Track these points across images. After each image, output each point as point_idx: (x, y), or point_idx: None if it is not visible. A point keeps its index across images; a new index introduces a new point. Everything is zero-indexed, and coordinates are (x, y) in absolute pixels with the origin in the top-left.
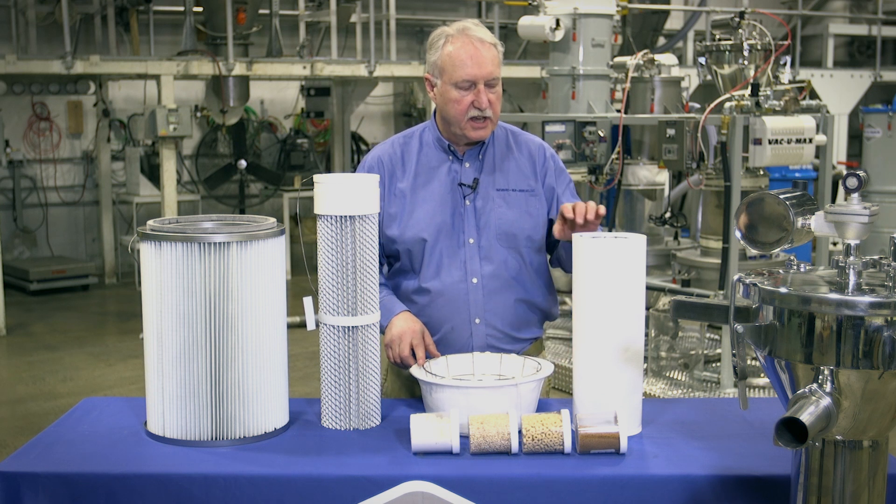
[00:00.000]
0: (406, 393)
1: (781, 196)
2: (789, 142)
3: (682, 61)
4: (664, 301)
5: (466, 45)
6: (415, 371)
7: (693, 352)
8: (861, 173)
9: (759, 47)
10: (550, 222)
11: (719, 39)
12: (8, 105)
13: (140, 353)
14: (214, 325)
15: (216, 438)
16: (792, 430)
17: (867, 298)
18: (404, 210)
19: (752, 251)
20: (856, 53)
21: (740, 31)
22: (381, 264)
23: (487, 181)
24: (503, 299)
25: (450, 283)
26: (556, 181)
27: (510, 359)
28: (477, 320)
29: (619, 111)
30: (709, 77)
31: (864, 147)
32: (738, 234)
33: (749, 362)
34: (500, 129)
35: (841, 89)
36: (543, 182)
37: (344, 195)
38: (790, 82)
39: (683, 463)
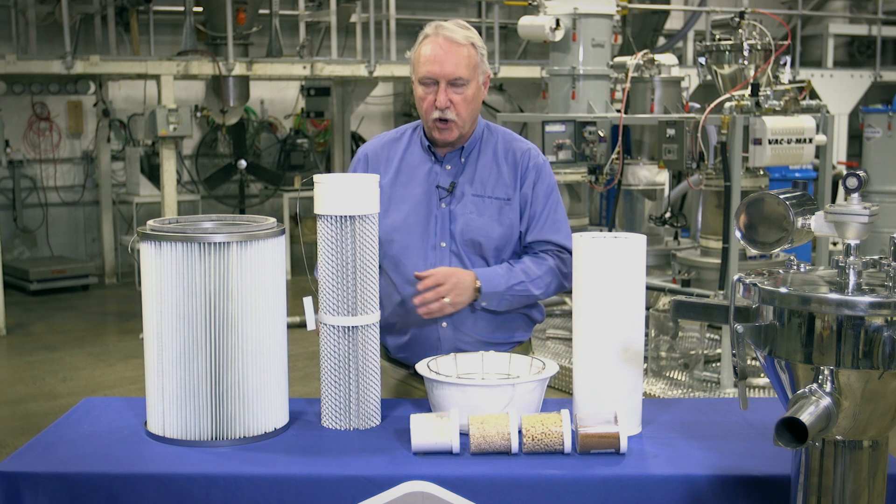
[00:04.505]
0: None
1: (781, 196)
2: (789, 142)
3: (682, 61)
4: (664, 301)
5: (435, 44)
6: (419, 368)
7: (693, 352)
8: (861, 173)
9: (759, 47)
10: (523, 233)
11: (719, 39)
12: (8, 105)
13: (140, 353)
14: (214, 325)
15: (216, 438)
16: (792, 430)
17: (867, 298)
18: (381, 208)
19: (752, 251)
20: (856, 53)
21: (740, 31)
22: None
23: (465, 186)
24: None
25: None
26: (532, 188)
27: (518, 359)
28: (444, 324)
29: (619, 111)
30: (709, 77)
31: (864, 147)
32: (738, 234)
33: (749, 362)
34: (490, 134)
35: (841, 89)
36: (521, 188)
37: (344, 195)
38: (790, 82)
39: (683, 463)
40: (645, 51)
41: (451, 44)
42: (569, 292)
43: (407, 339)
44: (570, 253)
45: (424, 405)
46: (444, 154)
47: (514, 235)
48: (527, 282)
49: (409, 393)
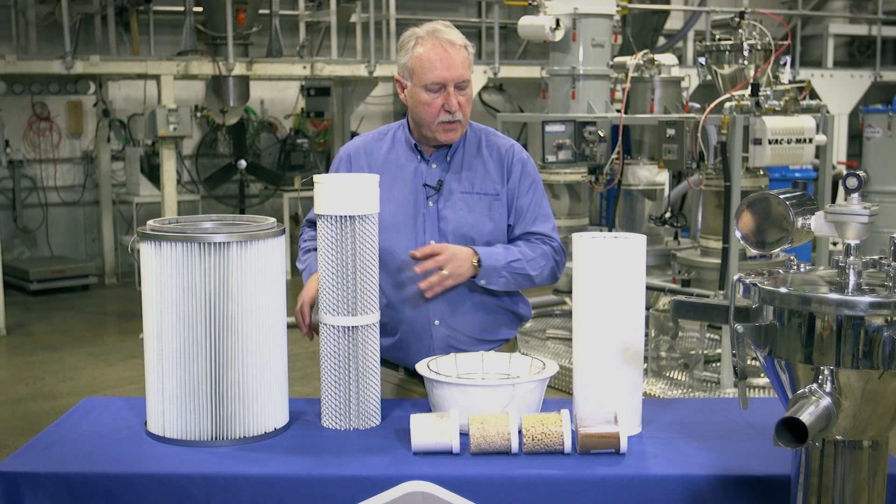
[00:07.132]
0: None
1: (781, 196)
2: (789, 142)
3: (682, 61)
4: (664, 301)
5: (436, 48)
6: (419, 368)
7: (693, 352)
8: (861, 173)
9: (759, 47)
10: (510, 227)
11: (719, 39)
12: (8, 105)
13: (140, 353)
14: (214, 325)
15: (216, 438)
16: (792, 430)
17: (867, 298)
18: None
19: (752, 251)
20: (856, 53)
21: (740, 31)
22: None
23: (452, 183)
24: (461, 302)
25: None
26: (518, 182)
27: (519, 359)
28: (436, 322)
29: (619, 111)
30: (709, 77)
31: (864, 147)
32: (738, 234)
33: (749, 362)
34: (473, 132)
35: (841, 89)
36: (508, 182)
37: (344, 195)
38: (790, 82)
39: (683, 463)
40: (645, 51)
41: (453, 47)
42: (569, 292)
43: (398, 339)
44: (558, 243)
45: (424, 405)
46: (431, 153)
47: (503, 230)
48: (524, 261)
49: (406, 396)
